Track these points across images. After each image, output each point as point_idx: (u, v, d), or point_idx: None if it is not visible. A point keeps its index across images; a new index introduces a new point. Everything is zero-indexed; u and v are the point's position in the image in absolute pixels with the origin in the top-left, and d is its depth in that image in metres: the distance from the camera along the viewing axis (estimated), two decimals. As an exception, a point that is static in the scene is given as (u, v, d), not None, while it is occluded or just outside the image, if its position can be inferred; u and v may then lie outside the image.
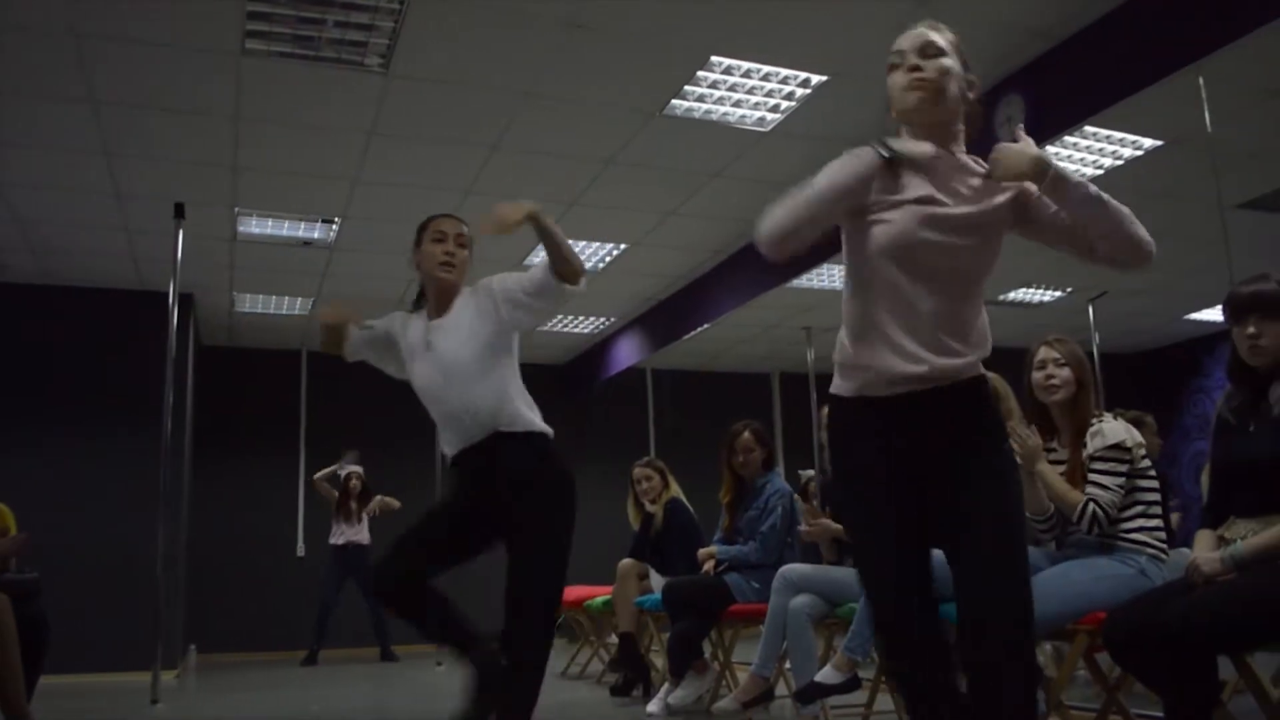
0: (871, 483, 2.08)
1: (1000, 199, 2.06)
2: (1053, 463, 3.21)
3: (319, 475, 9.25)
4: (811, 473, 5.54)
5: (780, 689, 4.63)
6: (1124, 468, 3.10)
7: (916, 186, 2.02)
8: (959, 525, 2.01)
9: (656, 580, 5.70)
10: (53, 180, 6.17)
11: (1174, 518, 5.99)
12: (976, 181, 2.07)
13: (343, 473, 9.11)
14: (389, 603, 3.11)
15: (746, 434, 4.94)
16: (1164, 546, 3.13)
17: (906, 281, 2.00)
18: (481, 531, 3.17)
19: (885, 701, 4.07)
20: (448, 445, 3.23)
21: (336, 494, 9.08)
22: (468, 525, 3.17)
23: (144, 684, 5.72)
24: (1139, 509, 3.13)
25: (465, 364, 3.12)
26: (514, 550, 3.08)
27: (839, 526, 4.30)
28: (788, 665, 4.40)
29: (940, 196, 2.02)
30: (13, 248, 7.30)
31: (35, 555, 4.55)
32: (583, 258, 7.70)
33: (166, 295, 5.55)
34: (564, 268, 3.07)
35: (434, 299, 3.25)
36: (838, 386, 2.13)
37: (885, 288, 2.02)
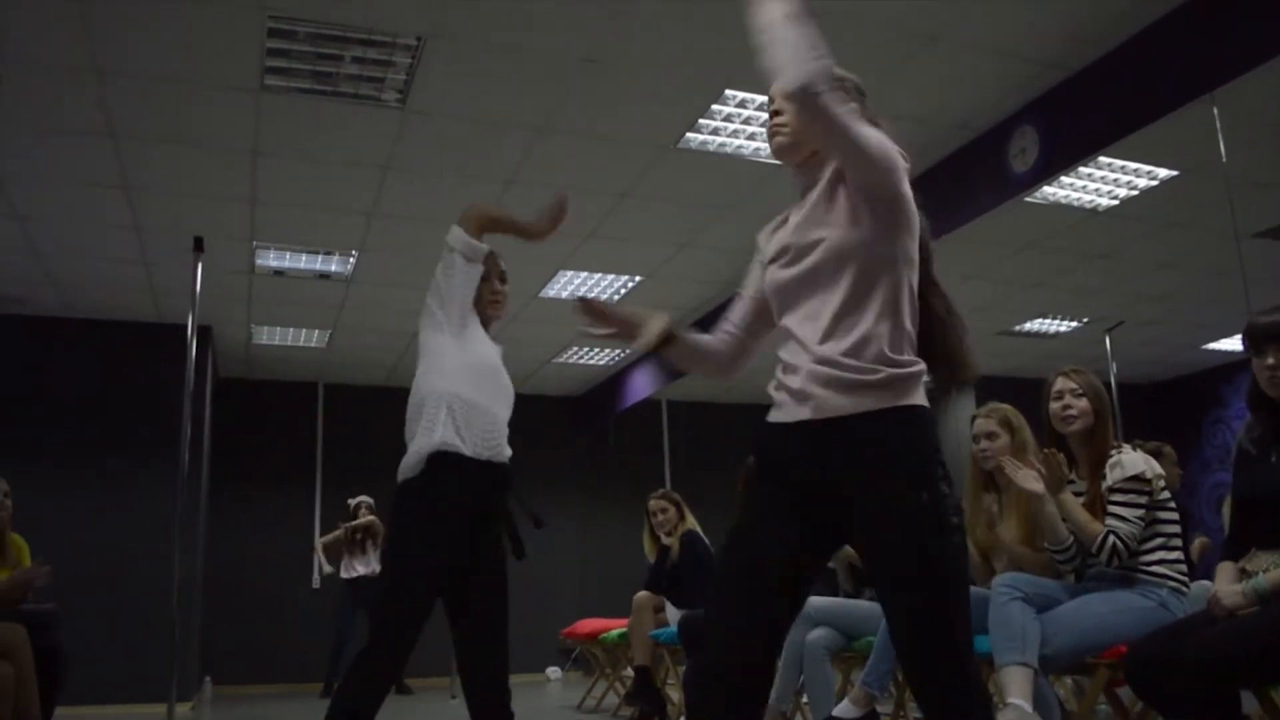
0: (755, 513, 1.96)
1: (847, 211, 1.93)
2: (1074, 494, 3.19)
3: (325, 539, 9.33)
4: None
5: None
6: (1144, 499, 3.08)
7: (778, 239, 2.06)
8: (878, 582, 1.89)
9: (673, 613, 5.67)
10: (73, 214, 6.24)
11: (1195, 545, 5.93)
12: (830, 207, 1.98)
13: (352, 502, 9.13)
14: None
15: (762, 465, 4.91)
16: (1185, 579, 3.11)
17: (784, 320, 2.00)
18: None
19: (904, 736, 4.03)
20: (471, 442, 2.90)
21: (352, 534, 9.06)
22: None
23: (160, 715, 5.70)
24: (1159, 541, 3.10)
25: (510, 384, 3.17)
26: (492, 588, 2.95)
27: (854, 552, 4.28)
28: (805, 699, 4.36)
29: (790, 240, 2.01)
30: (34, 281, 7.37)
31: (52, 586, 4.56)
32: (599, 290, 7.76)
33: (185, 328, 5.58)
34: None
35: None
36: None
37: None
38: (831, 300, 1.89)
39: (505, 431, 3.04)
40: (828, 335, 1.88)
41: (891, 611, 1.83)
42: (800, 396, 1.89)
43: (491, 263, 3.20)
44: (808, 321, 1.92)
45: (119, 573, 7.69)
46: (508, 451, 3.03)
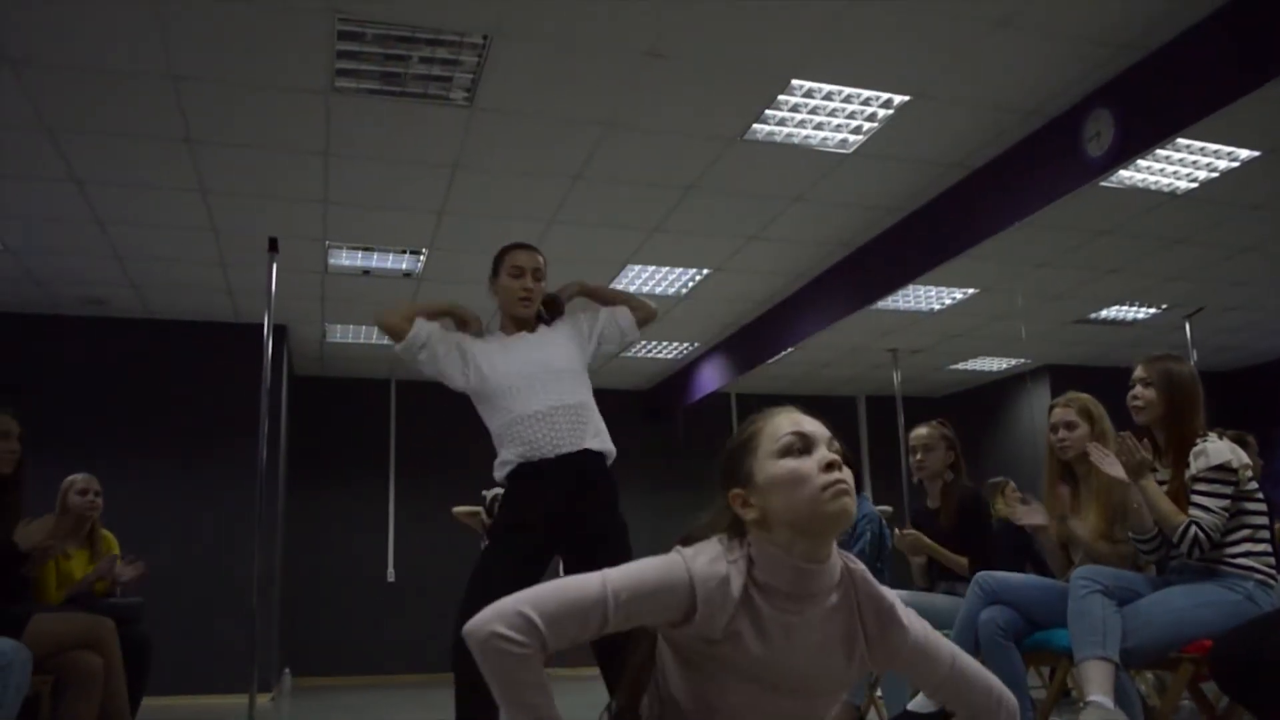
0: None
1: None
2: (1158, 483, 3.12)
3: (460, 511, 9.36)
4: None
5: (871, 717, 4.56)
6: (1229, 489, 3.00)
7: None
8: None
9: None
10: (152, 218, 6.39)
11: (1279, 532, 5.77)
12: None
13: (487, 495, 9.20)
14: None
15: (833, 458, 4.87)
16: (1272, 571, 3.02)
17: None
18: (544, 556, 3.17)
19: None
20: (521, 452, 3.14)
21: (486, 520, 9.12)
22: (539, 554, 3.15)
23: (241, 705, 5.83)
24: (1246, 532, 3.02)
25: (560, 368, 3.23)
26: (587, 555, 3.09)
27: (930, 542, 4.23)
28: (879, 693, 4.33)
29: None
30: (116, 283, 7.57)
31: (138, 580, 4.69)
32: (666, 283, 7.75)
33: (261, 327, 5.68)
34: (643, 314, 3.49)
35: (510, 325, 3.38)
36: None
37: None
38: None
39: (564, 414, 3.17)
40: None
41: None
42: None
43: (528, 259, 3.25)
44: None
45: (201, 567, 7.89)
46: (570, 436, 3.16)
